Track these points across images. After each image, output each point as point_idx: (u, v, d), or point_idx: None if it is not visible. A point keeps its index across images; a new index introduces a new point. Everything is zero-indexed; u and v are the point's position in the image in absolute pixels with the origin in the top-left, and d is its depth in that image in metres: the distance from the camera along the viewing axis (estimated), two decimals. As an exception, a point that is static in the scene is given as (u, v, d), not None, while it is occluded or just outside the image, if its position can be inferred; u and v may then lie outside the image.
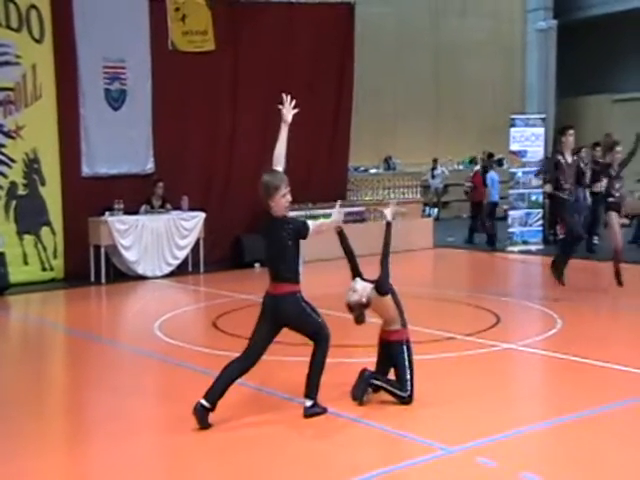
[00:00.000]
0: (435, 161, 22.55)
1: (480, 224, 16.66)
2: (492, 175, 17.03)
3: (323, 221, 6.21)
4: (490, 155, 19.76)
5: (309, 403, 5.82)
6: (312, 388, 5.85)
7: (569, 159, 10.67)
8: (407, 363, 6.07)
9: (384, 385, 6.10)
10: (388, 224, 6.18)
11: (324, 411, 5.86)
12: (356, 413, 5.88)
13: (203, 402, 5.65)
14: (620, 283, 10.58)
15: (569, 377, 6.95)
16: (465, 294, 10.74)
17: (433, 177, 22.52)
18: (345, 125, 15.79)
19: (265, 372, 6.44)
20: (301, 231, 5.80)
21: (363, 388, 6.05)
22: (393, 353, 6.11)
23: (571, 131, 10.75)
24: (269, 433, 5.58)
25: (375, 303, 6.07)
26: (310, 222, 5.91)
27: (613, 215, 10.69)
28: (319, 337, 5.84)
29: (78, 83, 12.86)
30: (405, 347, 6.11)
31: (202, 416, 5.63)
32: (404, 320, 6.17)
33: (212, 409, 5.66)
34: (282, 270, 5.80)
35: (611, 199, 10.71)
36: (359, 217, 14.85)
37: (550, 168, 10.81)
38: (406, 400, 6.02)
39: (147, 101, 13.52)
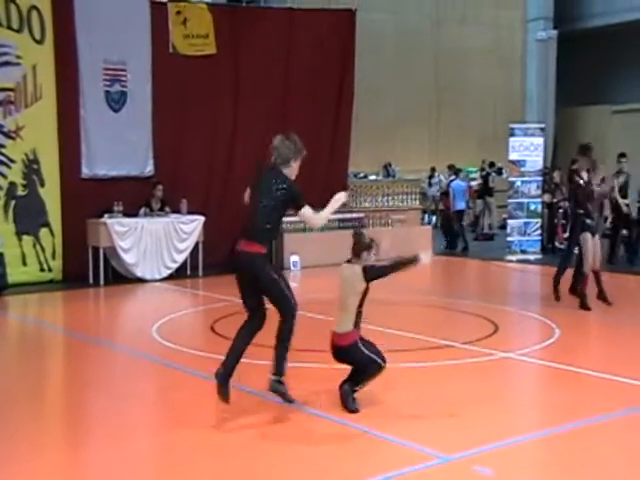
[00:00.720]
0: (433, 169, 22.61)
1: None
2: (455, 184, 17.54)
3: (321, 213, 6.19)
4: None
5: (274, 378, 5.91)
6: (277, 364, 5.92)
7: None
8: (365, 350, 5.98)
9: (365, 383, 6.05)
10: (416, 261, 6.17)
11: (288, 400, 5.97)
12: (353, 420, 5.87)
13: (220, 370, 5.87)
14: (607, 302, 10.31)
15: (566, 387, 6.94)
16: (463, 302, 10.75)
17: (430, 185, 22.55)
18: (345, 131, 15.79)
19: (263, 376, 6.42)
20: (297, 200, 5.92)
21: (351, 400, 6.00)
22: (351, 356, 6.01)
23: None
24: (267, 439, 5.56)
25: (353, 279, 5.98)
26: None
27: (588, 237, 10.20)
28: (286, 310, 5.88)
29: (78, 84, 12.87)
30: (359, 344, 6.01)
31: (224, 386, 5.85)
32: (359, 321, 6.04)
33: (230, 375, 5.86)
34: (259, 227, 5.88)
35: (588, 221, 10.23)
36: (358, 223, 14.85)
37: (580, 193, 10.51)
38: (383, 367, 6.00)
39: (147, 104, 13.53)
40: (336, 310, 6.11)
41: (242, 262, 5.93)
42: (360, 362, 5.99)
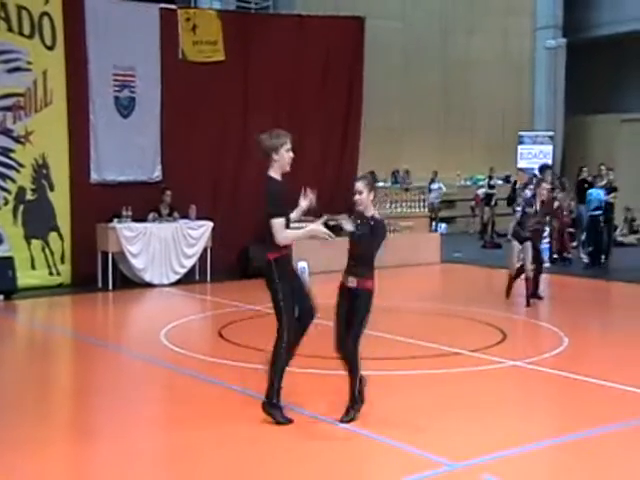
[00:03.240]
0: (435, 174, 22.02)
1: None
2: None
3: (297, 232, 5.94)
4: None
5: (264, 400, 5.83)
6: (268, 386, 5.84)
7: None
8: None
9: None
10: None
11: (283, 420, 5.81)
12: (360, 425, 5.86)
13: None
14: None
15: (575, 396, 6.92)
16: (472, 310, 10.73)
17: (430, 191, 21.28)
18: (354, 138, 15.79)
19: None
20: (266, 208, 5.77)
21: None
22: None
23: None
24: (273, 445, 5.55)
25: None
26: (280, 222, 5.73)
27: (515, 244, 11.12)
28: (280, 329, 5.81)
29: (88, 90, 12.92)
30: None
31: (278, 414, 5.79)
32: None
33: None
34: (265, 235, 5.81)
35: (524, 234, 10.94)
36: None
37: None
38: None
39: (156, 109, 13.56)
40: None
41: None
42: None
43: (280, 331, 5.81)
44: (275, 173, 5.88)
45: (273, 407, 5.82)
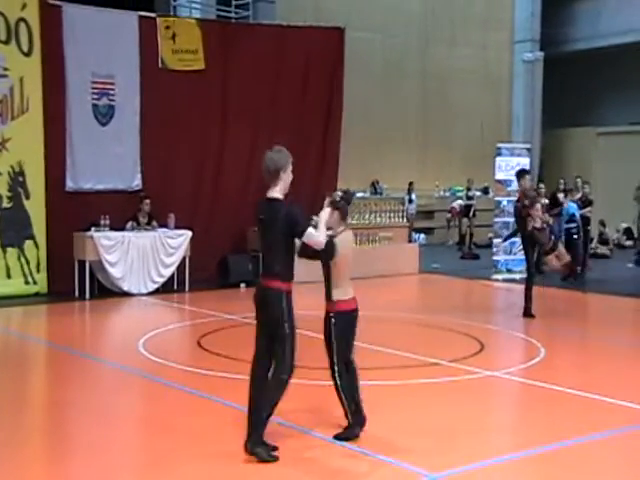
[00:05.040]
0: (411, 184, 21.49)
1: None
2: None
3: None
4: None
5: (252, 439, 5.36)
6: (255, 423, 5.40)
7: None
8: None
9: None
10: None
11: (271, 459, 5.33)
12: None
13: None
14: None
15: (551, 406, 6.95)
16: (450, 320, 10.76)
17: (410, 202, 21.07)
18: (334, 148, 15.82)
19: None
20: (294, 229, 5.38)
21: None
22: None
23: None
24: (250, 458, 5.51)
25: None
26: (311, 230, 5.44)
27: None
28: (281, 365, 5.43)
29: (66, 97, 12.84)
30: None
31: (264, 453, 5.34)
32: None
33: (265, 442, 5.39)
34: (273, 262, 5.45)
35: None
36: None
37: None
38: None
39: (135, 118, 13.50)
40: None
41: (256, 297, 5.54)
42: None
43: (283, 363, 5.41)
44: (279, 194, 5.49)
45: (261, 445, 5.37)
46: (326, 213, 5.63)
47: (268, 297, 5.45)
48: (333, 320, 5.73)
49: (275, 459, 5.35)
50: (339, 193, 6.03)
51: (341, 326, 5.73)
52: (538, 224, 10.91)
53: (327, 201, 5.77)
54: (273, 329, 5.45)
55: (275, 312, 5.42)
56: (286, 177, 5.50)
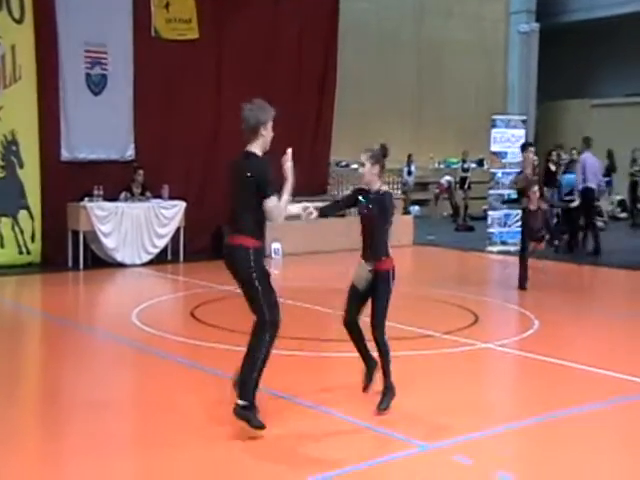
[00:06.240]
0: (410, 157, 21.66)
1: None
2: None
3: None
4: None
5: (241, 403, 5.17)
6: (242, 386, 5.21)
7: None
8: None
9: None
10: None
11: (258, 426, 5.18)
12: (334, 407, 5.88)
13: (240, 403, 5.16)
14: None
15: (545, 377, 6.99)
16: (444, 292, 10.78)
17: (410, 174, 21.40)
18: (327, 119, 15.77)
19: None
20: (263, 187, 5.13)
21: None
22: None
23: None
24: (244, 426, 5.52)
25: None
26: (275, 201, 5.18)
27: None
28: (258, 321, 5.21)
29: (58, 66, 12.70)
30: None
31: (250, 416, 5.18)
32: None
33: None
34: (240, 218, 5.25)
35: None
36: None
37: None
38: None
39: (128, 87, 13.39)
40: None
41: (225, 256, 5.34)
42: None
43: (261, 324, 5.20)
44: (257, 150, 5.29)
45: (250, 409, 5.19)
46: (290, 184, 5.27)
47: (235, 255, 5.24)
48: (392, 275, 5.71)
49: (262, 426, 5.20)
50: (376, 147, 5.86)
51: (391, 283, 5.74)
52: (533, 207, 10.88)
53: (289, 164, 5.30)
54: (245, 287, 5.26)
55: (243, 269, 5.21)
56: (267, 133, 5.29)
